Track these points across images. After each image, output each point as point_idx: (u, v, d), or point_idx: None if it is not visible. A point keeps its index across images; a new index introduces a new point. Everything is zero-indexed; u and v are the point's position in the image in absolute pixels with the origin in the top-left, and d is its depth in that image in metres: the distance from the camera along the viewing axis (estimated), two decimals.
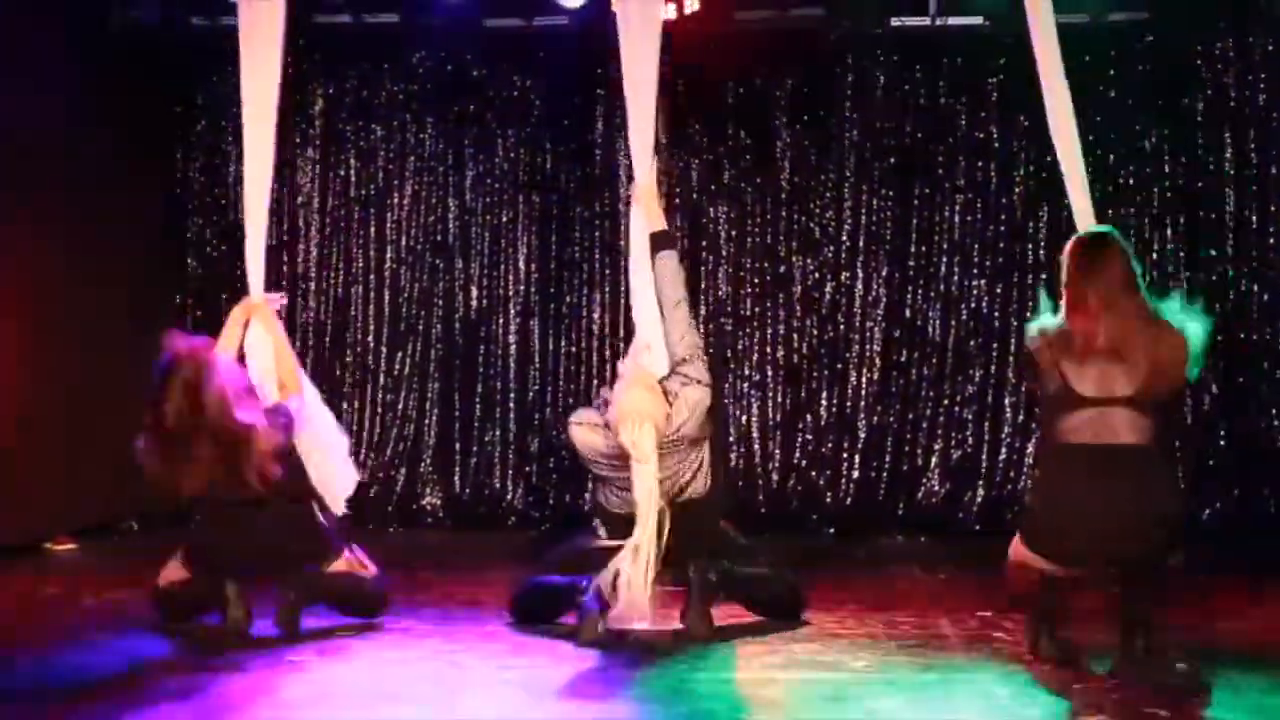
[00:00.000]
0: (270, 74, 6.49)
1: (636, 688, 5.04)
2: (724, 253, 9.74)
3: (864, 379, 9.61)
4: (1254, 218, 9.26)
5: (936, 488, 9.47)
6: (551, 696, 4.92)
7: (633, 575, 5.56)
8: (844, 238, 9.65)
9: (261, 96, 6.49)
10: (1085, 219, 6.15)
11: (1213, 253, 9.28)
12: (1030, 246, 9.50)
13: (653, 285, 6.31)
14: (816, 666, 5.33)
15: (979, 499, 9.37)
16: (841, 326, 9.64)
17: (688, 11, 8.87)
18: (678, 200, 9.69)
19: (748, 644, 5.71)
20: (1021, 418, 9.40)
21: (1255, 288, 9.26)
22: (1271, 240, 9.24)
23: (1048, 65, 6.24)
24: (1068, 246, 5.53)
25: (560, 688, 5.04)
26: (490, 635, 5.92)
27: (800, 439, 9.59)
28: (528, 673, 5.23)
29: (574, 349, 9.79)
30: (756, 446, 9.60)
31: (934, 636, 5.88)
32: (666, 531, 5.63)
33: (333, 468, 6.27)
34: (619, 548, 5.80)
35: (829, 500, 9.48)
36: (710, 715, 4.63)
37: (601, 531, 6.10)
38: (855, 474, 9.52)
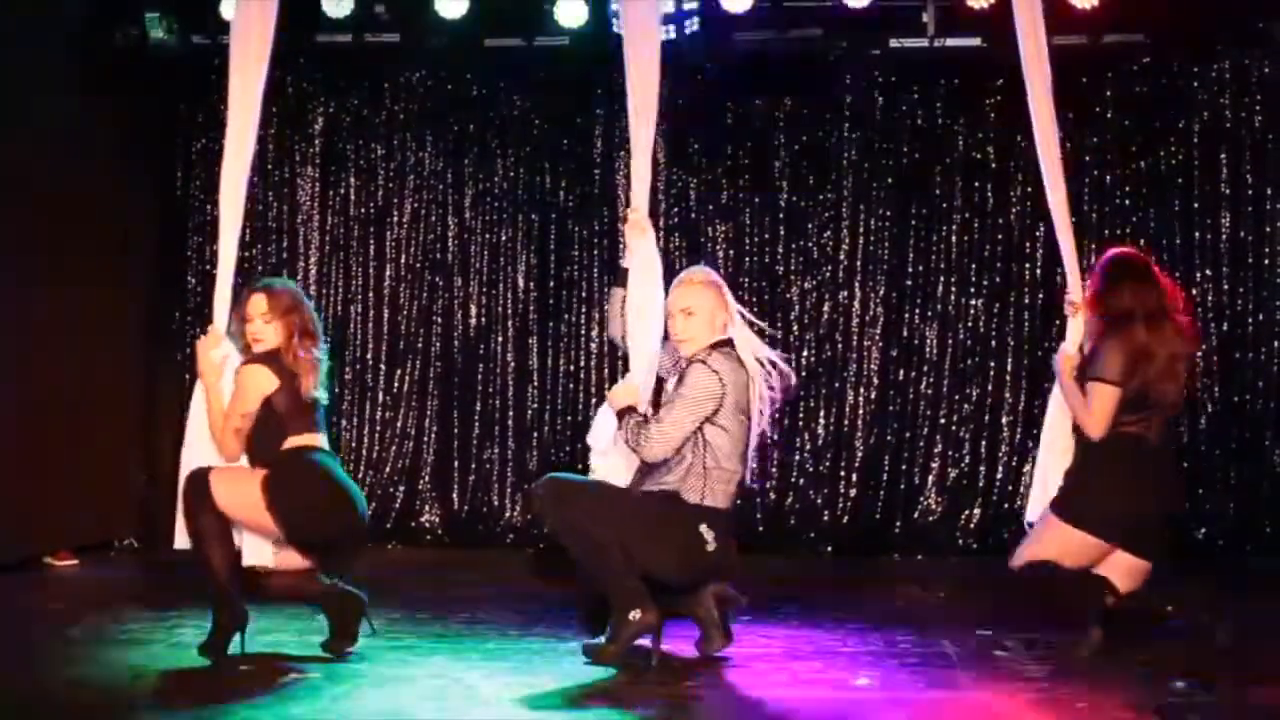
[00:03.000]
0: (254, 85, 6.45)
1: (641, 706, 5.06)
2: (722, 272, 9.72)
3: (861, 398, 9.64)
4: (1250, 239, 9.31)
5: (934, 506, 9.50)
6: (558, 714, 4.94)
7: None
8: (842, 257, 9.69)
9: (245, 107, 6.44)
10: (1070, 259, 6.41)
11: (1209, 273, 9.32)
12: (1027, 266, 9.53)
13: (649, 309, 6.20)
14: (819, 684, 5.35)
15: (976, 518, 9.40)
16: (839, 345, 9.66)
17: (688, 32, 8.93)
18: (676, 219, 9.73)
19: (751, 662, 5.73)
20: (1019, 436, 9.43)
21: (1250, 307, 9.31)
22: (1267, 261, 9.29)
23: (1039, 102, 6.35)
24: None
25: (566, 705, 5.05)
26: (493, 653, 5.93)
27: (798, 458, 9.61)
28: (533, 690, 5.24)
29: (572, 367, 9.80)
30: (754, 465, 9.59)
31: (935, 655, 5.90)
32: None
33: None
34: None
35: (826, 519, 9.50)
36: None
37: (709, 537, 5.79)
38: (853, 493, 9.55)
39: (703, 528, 5.74)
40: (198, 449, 5.96)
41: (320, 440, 5.97)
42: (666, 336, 6.09)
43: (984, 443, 9.50)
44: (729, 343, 5.90)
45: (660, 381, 6.12)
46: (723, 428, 5.75)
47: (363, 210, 9.94)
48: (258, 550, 5.82)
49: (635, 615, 5.58)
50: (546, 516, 5.79)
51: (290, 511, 5.71)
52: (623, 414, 5.87)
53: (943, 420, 9.56)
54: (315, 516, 5.79)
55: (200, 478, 5.74)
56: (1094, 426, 5.99)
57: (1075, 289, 6.36)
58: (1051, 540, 5.98)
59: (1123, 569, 5.93)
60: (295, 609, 6.51)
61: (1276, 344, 9.27)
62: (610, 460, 5.99)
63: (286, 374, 5.89)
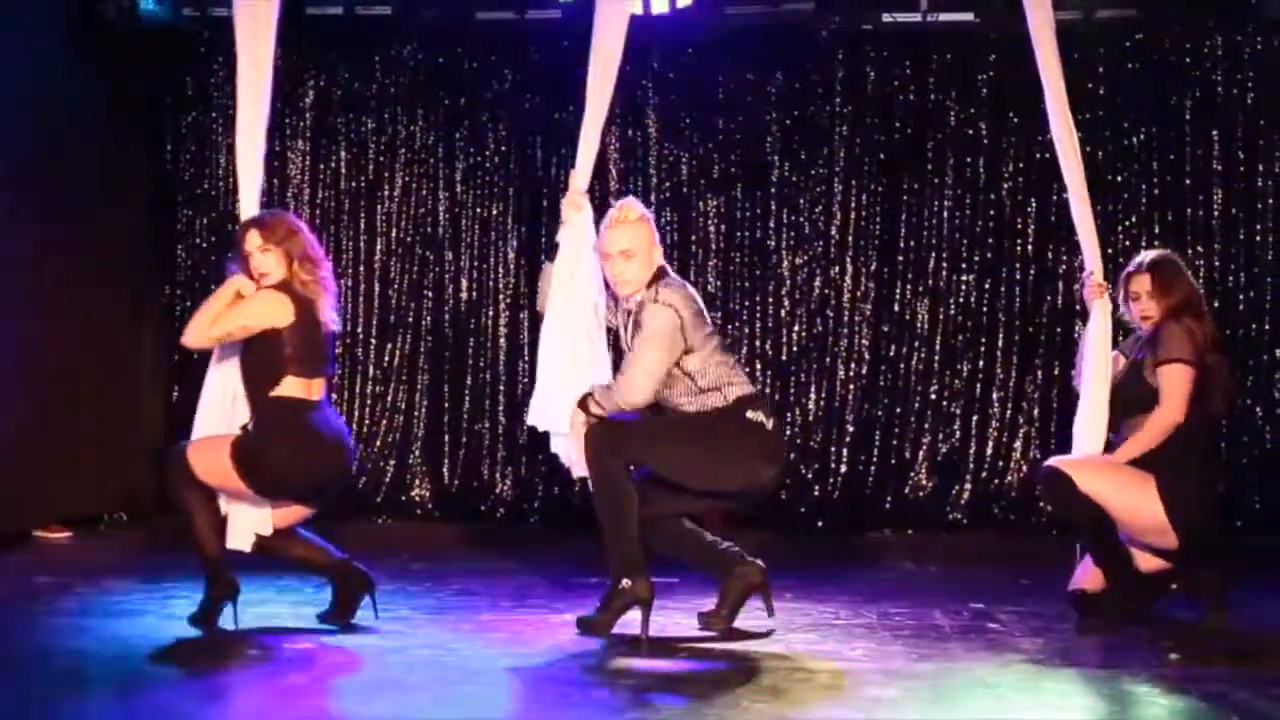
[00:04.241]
0: (264, 58, 6.36)
1: (634, 677, 5.06)
2: (713, 247, 9.75)
3: (852, 373, 9.65)
4: (1241, 215, 9.32)
5: (924, 481, 9.51)
6: (550, 685, 4.94)
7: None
8: (833, 232, 9.69)
9: (255, 80, 6.32)
10: (1086, 225, 6.20)
11: (1200, 249, 9.33)
12: (1019, 241, 9.54)
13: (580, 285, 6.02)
14: (814, 655, 5.36)
15: (967, 493, 9.42)
16: (830, 320, 9.67)
17: (680, 6, 8.91)
18: (667, 194, 9.72)
19: (745, 634, 5.74)
20: (1009, 412, 9.45)
21: (1242, 283, 9.33)
22: (1258, 238, 9.31)
23: (1049, 74, 6.19)
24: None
25: (558, 676, 5.05)
26: (486, 625, 5.93)
27: (789, 433, 9.61)
28: (526, 662, 5.24)
29: None
30: None
31: (928, 628, 5.91)
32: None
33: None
34: None
35: (817, 493, 9.52)
36: (707, 703, 4.66)
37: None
38: (843, 468, 9.56)
39: (749, 413, 5.63)
40: (206, 422, 5.89)
41: (314, 389, 5.76)
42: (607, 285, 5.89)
43: (975, 418, 9.52)
44: (663, 270, 5.78)
45: (609, 332, 6.03)
46: (692, 349, 5.62)
47: (353, 184, 9.91)
48: (258, 517, 5.78)
49: (625, 584, 5.58)
50: (589, 459, 5.63)
51: (258, 479, 5.62)
52: (583, 404, 5.69)
53: (933, 396, 9.58)
54: (285, 477, 5.67)
55: (177, 454, 5.70)
56: (1175, 410, 5.79)
57: (1099, 269, 6.14)
58: (1126, 494, 5.78)
59: (1149, 563, 5.91)
60: (288, 581, 6.53)
61: (1267, 320, 9.30)
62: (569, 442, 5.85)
63: (302, 305, 5.68)
